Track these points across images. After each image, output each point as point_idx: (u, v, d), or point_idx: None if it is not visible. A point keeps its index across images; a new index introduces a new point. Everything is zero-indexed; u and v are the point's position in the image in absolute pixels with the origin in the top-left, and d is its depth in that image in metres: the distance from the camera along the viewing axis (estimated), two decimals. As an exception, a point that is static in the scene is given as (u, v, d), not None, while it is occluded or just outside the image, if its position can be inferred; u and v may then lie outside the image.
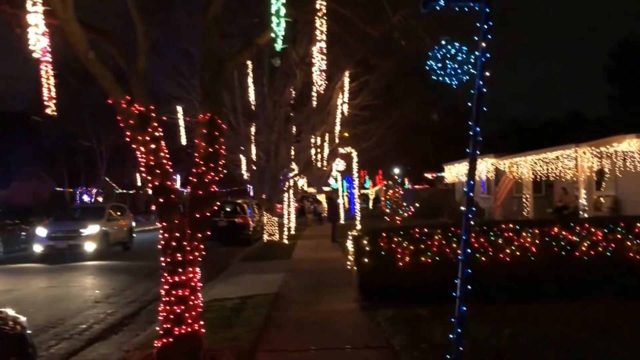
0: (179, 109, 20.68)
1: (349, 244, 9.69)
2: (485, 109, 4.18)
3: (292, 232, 27.42)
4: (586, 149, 17.50)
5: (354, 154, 17.71)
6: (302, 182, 34.87)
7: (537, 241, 8.94)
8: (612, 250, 8.84)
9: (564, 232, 8.93)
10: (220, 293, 11.64)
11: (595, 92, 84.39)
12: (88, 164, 47.85)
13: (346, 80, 19.50)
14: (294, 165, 25.33)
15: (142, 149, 6.62)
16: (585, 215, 17.26)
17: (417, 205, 29.50)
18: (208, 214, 6.78)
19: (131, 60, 6.81)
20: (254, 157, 22.59)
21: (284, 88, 18.74)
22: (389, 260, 8.99)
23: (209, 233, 6.95)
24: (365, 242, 9.07)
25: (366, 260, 9.02)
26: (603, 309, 8.29)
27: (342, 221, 34.08)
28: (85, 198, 42.21)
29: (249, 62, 17.49)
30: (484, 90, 4.12)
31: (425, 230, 9.08)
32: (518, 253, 8.91)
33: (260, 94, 18.76)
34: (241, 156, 22.00)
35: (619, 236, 8.87)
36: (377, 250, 9.03)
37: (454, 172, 32.18)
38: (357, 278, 9.26)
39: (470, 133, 4.22)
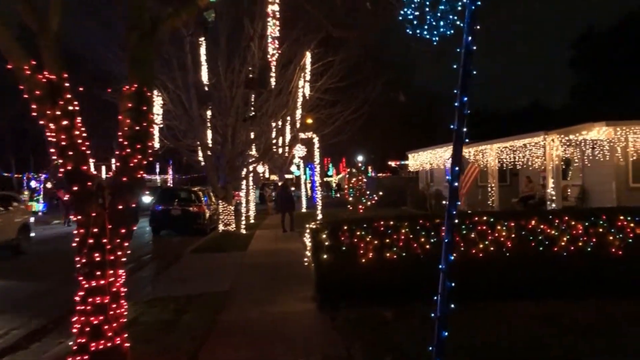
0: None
1: (307, 237, 8.69)
2: (475, 72, 3.22)
3: (251, 221, 26.33)
4: (555, 136, 16.93)
5: (316, 139, 16.65)
6: (262, 169, 33.65)
7: (512, 235, 8.12)
8: (593, 245, 8.10)
9: (542, 226, 8.13)
10: (166, 290, 10.52)
11: (559, 82, 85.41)
12: (38, 148, 45.35)
13: (308, 60, 18.41)
14: (253, 151, 24.16)
15: (52, 125, 5.45)
16: (553, 205, 16.73)
17: (380, 193, 28.68)
18: (133, 205, 5.65)
19: (42, 20, 5.58)
20: (209, 141, 21.34)
21: (241, 68, 17.49)
22: (350, 256, 8.04)
23: (134, 228, 5.84)
24: (324, 235, 8.07)
25: (325, 256, 8.03)
26: (583, 309, 7.56)
27: (303, 209, 33.23)
28: (33, 184, 39.92)
29: (202, 39, 16.22)
30: (474, 47, 3.17)
31: (391, 222, 8.14)
32: (492, 248, 8.08)
33: (215, 72, 17.48)
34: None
35: (600, 230, 8.13)
36: (337, 245, 8.06)
37: (419, 161, 31.53)
38: (315, 275, 8.27)
39: (456, 105, 3.25)
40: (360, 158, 40.99)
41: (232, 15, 15.92)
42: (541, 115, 48.69)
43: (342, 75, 19.63)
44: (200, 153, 21.49)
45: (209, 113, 20.96)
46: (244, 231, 21.21)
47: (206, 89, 17.27)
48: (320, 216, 17.09)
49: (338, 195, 55.01)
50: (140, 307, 8.92)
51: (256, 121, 19.94)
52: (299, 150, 17.93)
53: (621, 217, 8.14)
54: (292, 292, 9.67)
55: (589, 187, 18.53)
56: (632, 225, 8.10)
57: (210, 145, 21.06)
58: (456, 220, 8.13)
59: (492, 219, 8.19)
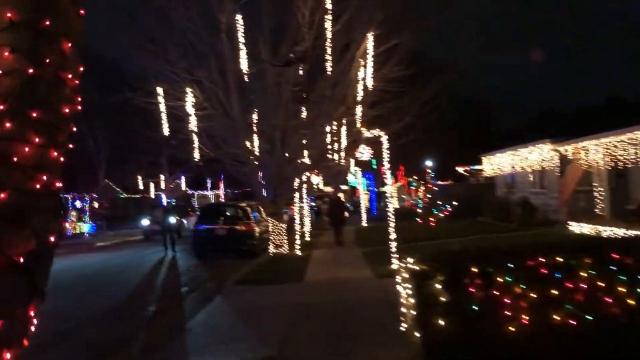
0: (160, 90, 16.41)
1: (400, 284, 5.22)
2: None
3: (307, 238, 23.02)
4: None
5: (384, 138, 13.15)
6: (317, 180, 30.35)
7: None
8: None
9: None
10: (182, 356, 7.33)
11: (630, 75, 77.98)
12: (86, 168, 43.88)
13: (370, 43, 15.00)
14: (306, 159, 20.89)
15: None
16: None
17: (454, 203, 24.85)
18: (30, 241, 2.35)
19: None
20: (255, 149, 18.23)
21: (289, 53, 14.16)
22: (487, 321, 4.51)
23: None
24: (438, 285, 4.57)
25: (442, 321, 4.53)
26: None
27: (364, 223, 29.70)
28: (78, 204, 38.10)
29: (239, 17, 13.13)
30: None
31: (558, 259, 4.55)
32: None
33: (258, 60, 14.29)
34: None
35: None
36: (463, 302, 4.54)
37: (496, 164, 27.48)
38: (423, 353, 4.74)
39: None
40: (429, 163, 36.82)
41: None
42: (623, 109, 43.34)
43: (408, 62, 16.07)
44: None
45: (254, 117, 17.92)
46: (298, 252, 17.90)
47: (246, 79, 14.12)
48: (393, 234, 13.56)
49: (397, 206, 51.00)
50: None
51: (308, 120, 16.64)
52: (364, 153, 14.45)
53: None
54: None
55: None
56: None
57: (257, 153, 17.92)
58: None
59: None
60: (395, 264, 12.95)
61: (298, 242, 18.61)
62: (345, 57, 15.27)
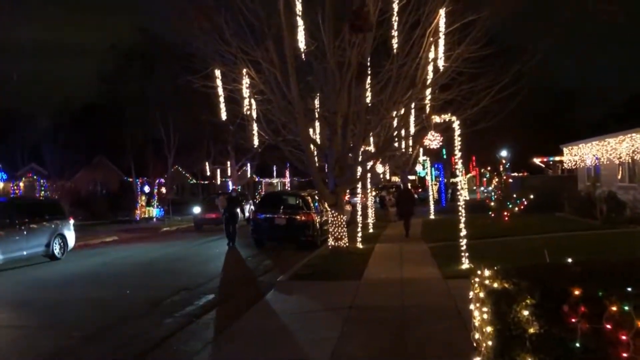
0: (217, 73, 15.76)
1: (472, 302, 4.09)
2: None
3: (370, 230, 21.96)
4: None
5: (456, 123, 11.77)
6: (382, 169, 29.15)
7: None
8: None
9: None
10: None
11: None
12: (156, 153, 44.60)
13: (442, 20, 13.62)
14: (370, 147, 19.76)
15: None
16: None
17: (531, 196, 22.98)
18: None
19: None
20: (317, 136, 17.34)
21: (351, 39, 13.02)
22: (593, 363, 3.30)
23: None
24: (525, 312, 3.40)
25: (530, 359, 3.36)
26: None
27: (432, 215, 28.28)
28: (147, 189, 38.75)
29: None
30: None
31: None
32: None
33: (316, 37, 13.23)
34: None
35: None
36: (560, 335, 3.35)
37: (578, 155, 25.23)
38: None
39: None
40: (503, 154, 34.64)
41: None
42: None
43: (486, 41, 14.49)
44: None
45: (316, 103, 16.96)
46: (360, 245, 16.91)
47: (304, 57, 13.14)
48: (464, 229, 12.23)
49: (468, 198, 48.72)
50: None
51: (373, 108, 15.59)
52: (433, 140, 13.12)
53: None
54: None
55: None
56: None
57: (317, 141, 16.99)
58: None
59: None
60: (465, 264, 11.70)
61: (360, 234, 17.59)
62: (413, 34, 13.96)
